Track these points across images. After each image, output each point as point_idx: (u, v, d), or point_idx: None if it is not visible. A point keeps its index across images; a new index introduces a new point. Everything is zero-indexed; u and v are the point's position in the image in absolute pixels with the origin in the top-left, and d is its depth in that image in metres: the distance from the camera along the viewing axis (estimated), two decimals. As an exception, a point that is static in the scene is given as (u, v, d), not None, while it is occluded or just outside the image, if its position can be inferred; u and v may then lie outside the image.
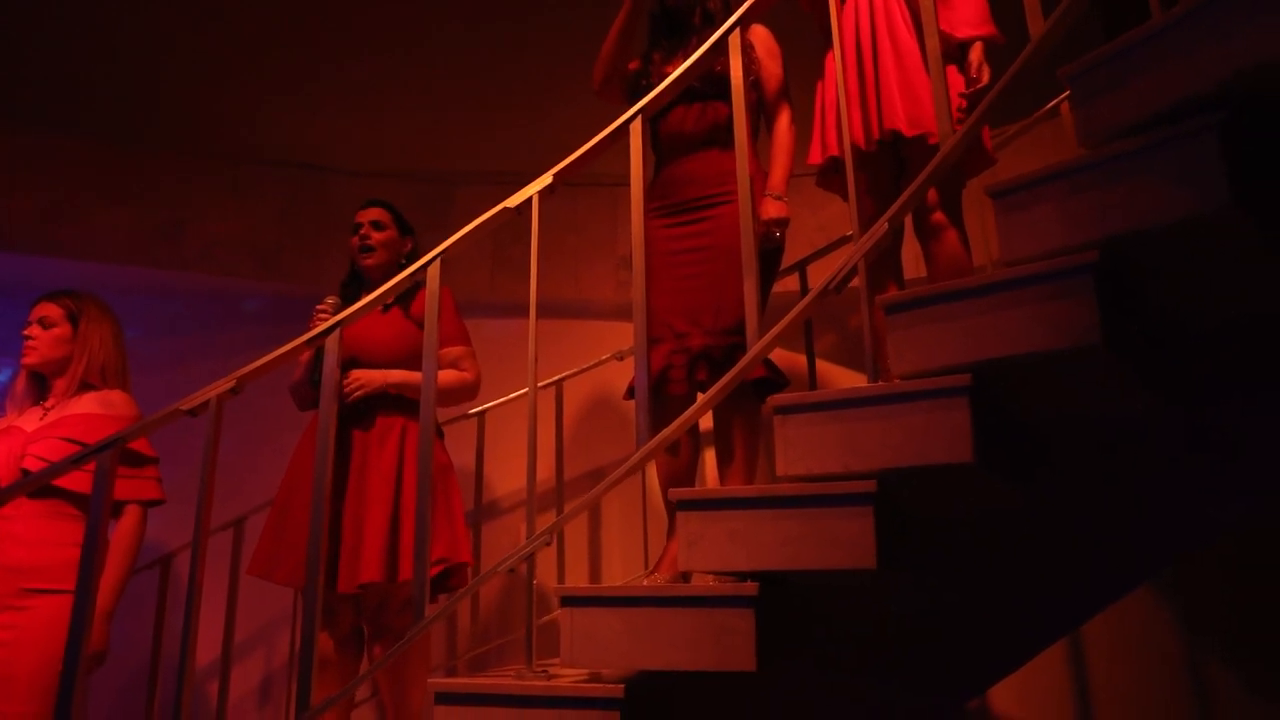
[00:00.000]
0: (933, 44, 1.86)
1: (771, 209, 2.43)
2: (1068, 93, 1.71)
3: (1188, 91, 1.47)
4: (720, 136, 2.51)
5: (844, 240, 3.50)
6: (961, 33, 2.36)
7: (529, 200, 2.11)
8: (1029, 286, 1.59)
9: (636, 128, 2.10)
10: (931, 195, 2.36)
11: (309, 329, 2.70)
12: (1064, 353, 1.53)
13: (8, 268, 3.82)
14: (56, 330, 2.77)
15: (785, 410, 1.75)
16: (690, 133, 2.55)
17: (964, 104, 2.28)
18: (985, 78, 2.27)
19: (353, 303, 2.85)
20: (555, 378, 3.57)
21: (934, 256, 2.37)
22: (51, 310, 2.79)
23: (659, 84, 2.60)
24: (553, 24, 3.53)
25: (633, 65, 2.73)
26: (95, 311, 2.82)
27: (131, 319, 3.26)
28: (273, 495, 2.81)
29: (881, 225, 1.84)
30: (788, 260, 2.91)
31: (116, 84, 3.70)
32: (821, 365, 3.82)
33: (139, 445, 2.69)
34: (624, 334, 4.14)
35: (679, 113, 2.55)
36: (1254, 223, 1.46)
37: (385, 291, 2.06)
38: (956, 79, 2.34)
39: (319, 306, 2.80)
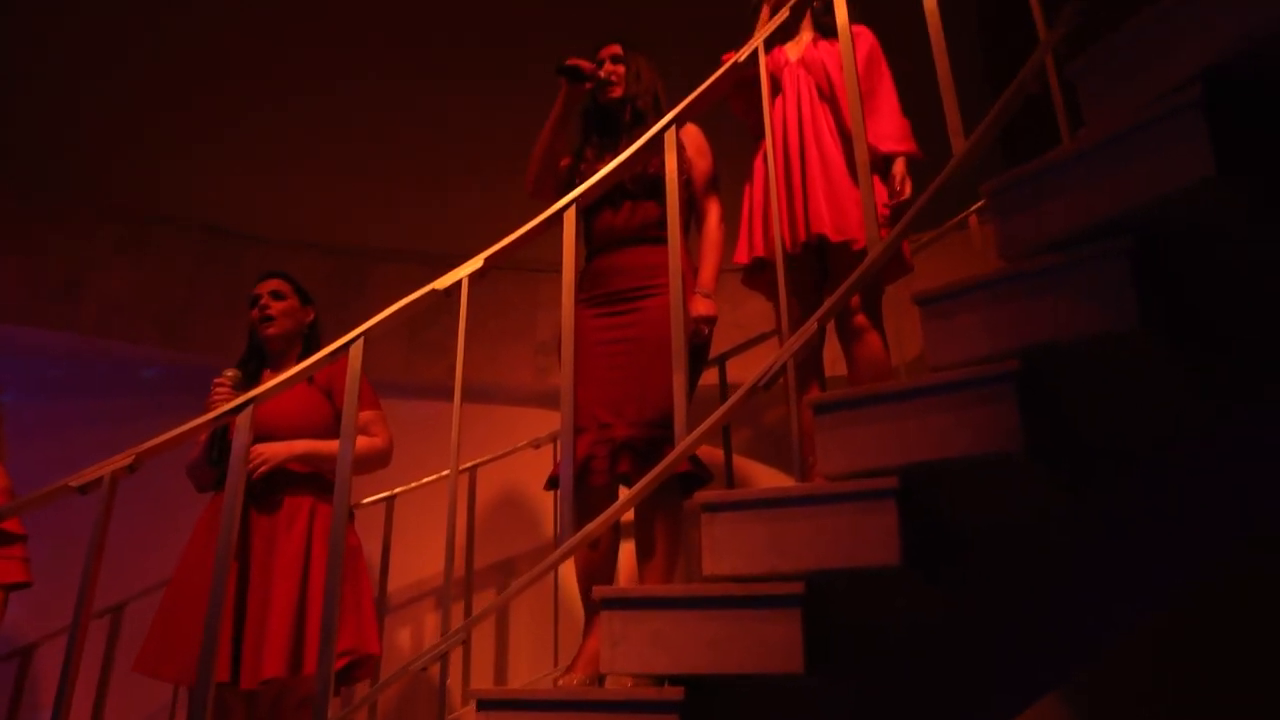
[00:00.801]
0: (862, 157, 1.93)
1: (700, 306, 2.46)
2: (977, 206, 1.80)
3: (1101, 215, 1.55)
4: (650, 234, 2.55)
5: (763, 336, 3.56)
6: (885, 147, 2.48)
7: (458, 283, 2.08)
8: (954, 392, 1.63)
9: (570, 217, 2.11)
10: (854, 299, 2.43)
11: (208, 403, 2.59)
12: (988, 457, 1.57)
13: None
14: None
15: (713, 508, 1.73)
16: (620, 228, 2.59)
17: (887, 214, 2.37)
18: (908, 192, 2.38)
19: (253, 376, 2.76)
20: (469, 464, 3.48)
21: (855, 357, 2.43)
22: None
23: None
24: (473, 101, 3.56)
25: (564, 162, 2.76)
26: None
27: (12, 381, 3.07)
28: (158, 579, 2.62)
29: (811, 325, 1.88)
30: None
31: (14, 130, 3.55)
32: (738, 460, 3.84)
33: (7, 522, 2.49)
34: (540, 421, 4.14)
35: (609, 212, 2.59)
36: (1164, 342, 1.54)
37: (306, 369, 1.99)
38: (879, 190, 2.44)
39: (217, 380, 2.67)
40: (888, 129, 2.51)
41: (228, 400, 2.56)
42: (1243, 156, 1.47)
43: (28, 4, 3.14)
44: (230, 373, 2.69)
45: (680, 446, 1.86)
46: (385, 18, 3.46)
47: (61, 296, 3.79)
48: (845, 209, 2.41)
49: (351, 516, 2.77)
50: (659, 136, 2.10)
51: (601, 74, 2.68)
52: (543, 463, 3.51)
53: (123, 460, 1.78)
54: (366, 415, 2.78)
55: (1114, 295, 1.52)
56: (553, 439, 3.50)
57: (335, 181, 3.84)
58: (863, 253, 2.34)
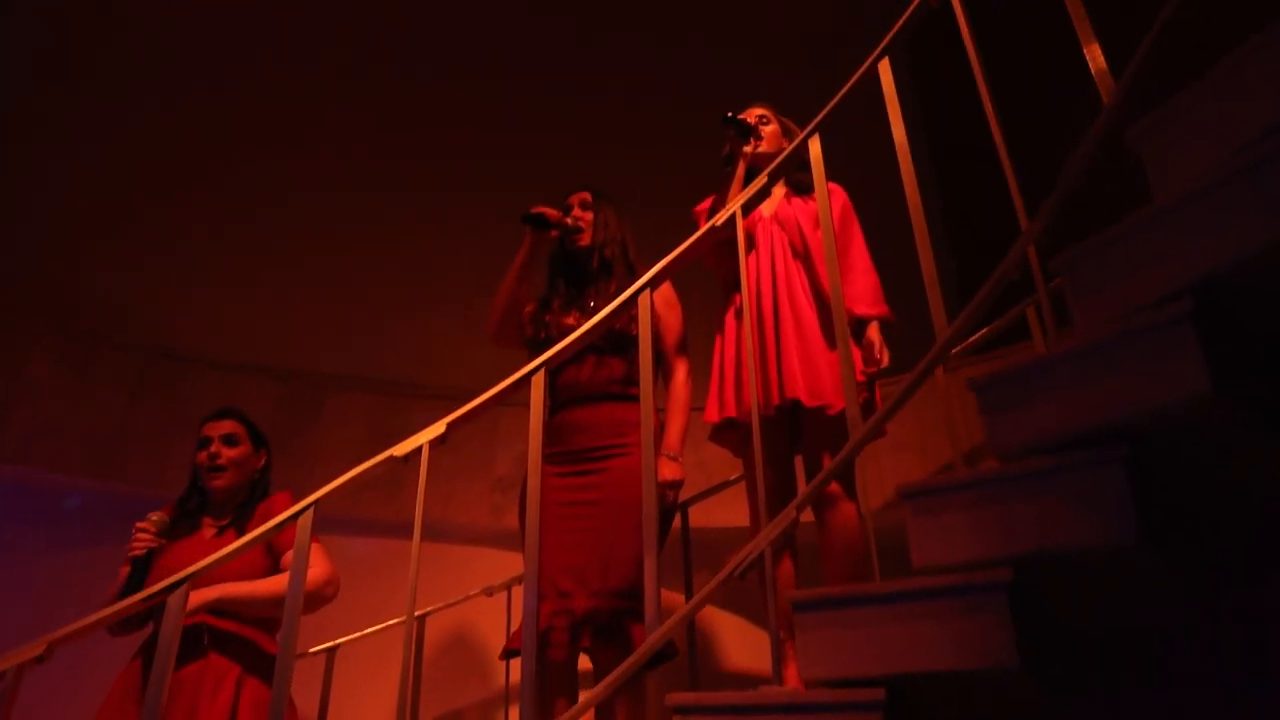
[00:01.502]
0: (841, 327, 1.89)
1: (667, 471, 2.38)
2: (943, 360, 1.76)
3: (1094, 420, 1.51)
4: (615, 389, 2.49)
5: (727, 484, 3.48)
6: (859, 310, 2.45)
7: (418, 449, 1.98)
8: (941, 599, 1.55)
9: (538, 381, 2.04)
10: (827, 465, 2.36)
11: (128, 549, 2.39)
12: (979, 672, 1.48)
13: None
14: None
15: (686, 710, 1.62)
16: (585, 383, 2.52)
17: (863, 379, 2.33)
18: (885, 360, 2.35)
19: (191, 516, 2.58)
20: (421, 612, 3.29)
21: (828, 525, 2.34)
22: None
23: (558, 334, 2.61)
24: (428, 216, 3.52)
25: (530, 308, 2.70)
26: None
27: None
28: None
29: (790, 512, 1.79)
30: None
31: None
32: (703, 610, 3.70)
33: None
34: (495, 562, 3.95)
35: (573, 366, 2.52)
36: (1161, 551, 1.48)
37: (249, 543, 1.85)
38: (855, 356, 2.40)
39: (140, 525, 2.43)
40: (860, 290, 2.50)
41: (150, 546, 2.39)
42: (1238, 366, 1.44)
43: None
44: (155, 516, 2.46)
45: (655, 635, 1.74)
46: (337, 133, 3.44)
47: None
48: (819, 372, 2.36)
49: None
50: (631, 299, 2.06)
51: (569, 220, 2.65)
52: (496, 609, 3.34)
53: (32, 651, 1.61)
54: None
55: (1110, 504, 1.46)
56: (507, 587, 3.34)
57: (287, 303, 3.73)
58: (838, 417, 2.28)
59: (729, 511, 3.83)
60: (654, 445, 1.88)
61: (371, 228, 3.63)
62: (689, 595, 3.42)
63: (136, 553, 2.37)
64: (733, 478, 3.39)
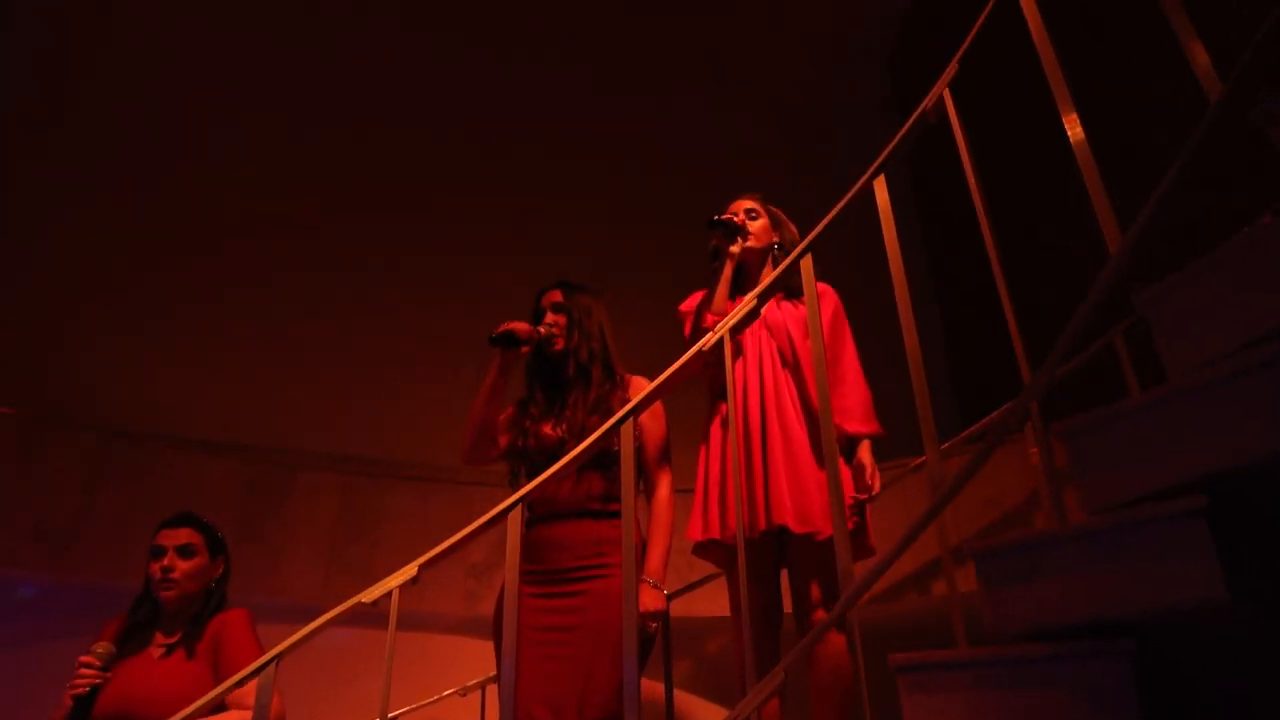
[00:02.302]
0: (830, 446, 1.79)
1: (648, 600, 2.27)
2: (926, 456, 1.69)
3: (1099, 610, 1.43)
4: (594, 506, 2.39)
5: (709, 578, 3.39)
6: (850, 427, 2.36)
7: (388, 594, 1.89)
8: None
9: (515, 518, 1.94)
10: (814, 593, 2.27)
11: (69, 685, 2.25)
12: None
13: None
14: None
15: None
16: (564, 500, 2.41)
17: (852, 503, 2.25)
18: (877, 487, 2.26)
19: (141, 627, 2.43)
20: (394, 714, 3.16)
21: (817, 658, 2.24)
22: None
23: (535, 444, 2.52)
24: (402, 293, 3.43)
25: (507, 412, 2.60)
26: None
27: None
28: None
29: (778, 674, 1.70)
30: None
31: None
32: (679, 695, 3.61)
33: None
34: (470, 653, 3.82)
35: (551, 481, 2.41)
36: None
37: (214, 698, 1.73)
38: (844, 473, 2.31)
39: (84, 659, 2.25)
40: (852, 405, 2.41)
41: (93, 683, 2.24)
42: (1254, 562, 1.37)
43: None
44: (100, 649, 2.28)
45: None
46: (308, 213, 3.36)
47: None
48: (809, 495, 2.27)
49: None
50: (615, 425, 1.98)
51: (541, 330, 2.54)
52: (470, 710, 3.22)
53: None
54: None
55: (1113, 701, 1.38)
56: (481, 686, 3.23)
57: (254, 380, 3.62)
58: (827, 542, 2.20)
59: (709, 602, 3.73)
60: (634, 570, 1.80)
61: (345, 304, 3.54)
62: (668, 685, 3.33)
63: (79, 691, 2.23)
64: (714, 573, 3.30)
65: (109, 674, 2.27)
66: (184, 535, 2.52)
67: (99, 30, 3.07)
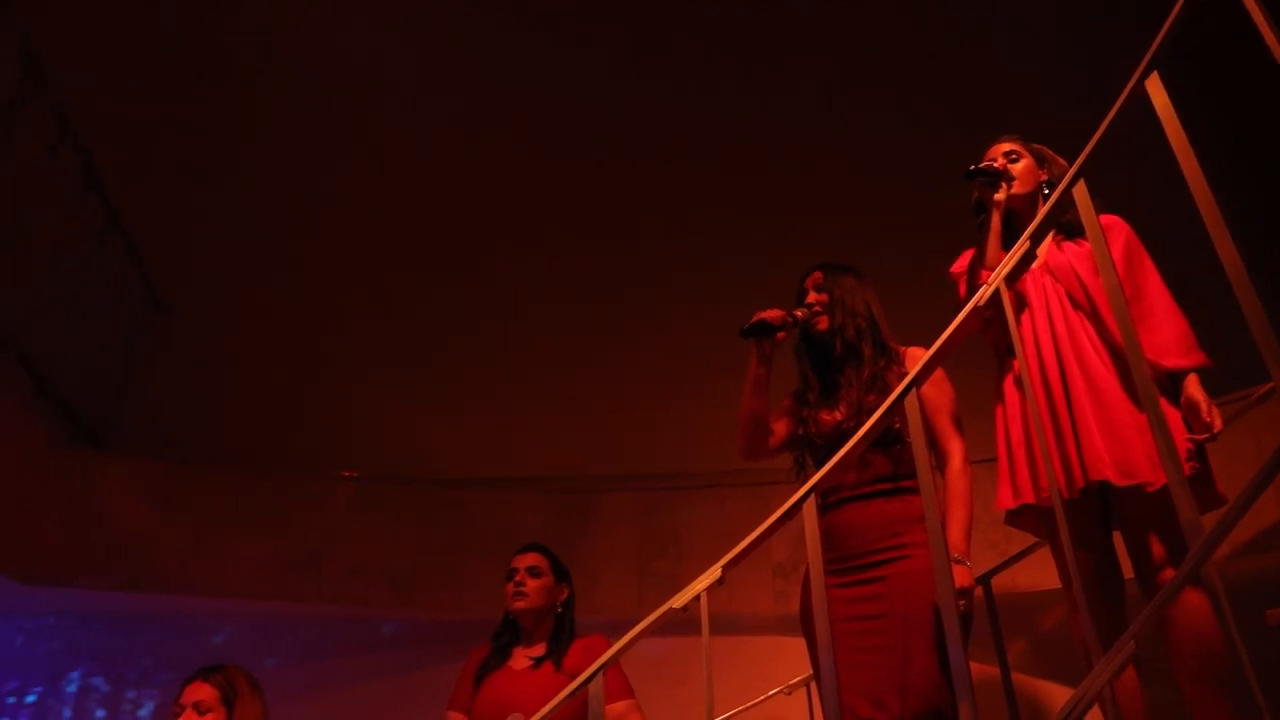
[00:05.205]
0: (1146, 386, 1.58)
1: (957, 577, 2.12)
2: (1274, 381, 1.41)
3: None
4: (884, 487, 2.29)
5: (1024, 553, 3.13)
6: (1169, 362, 2.07)
7: (697, 598, 1.92)
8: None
9: (810, 508, 1.90)
10: (1156, 551, 2.02)
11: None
12: None
13: (148, 606, 3.83)
14: (211, 716, 2.69)
15: None
16: (851, 484, 2.33)
17: (1191, 447, 1.97)
18: (1219, 423, 1.97)
19: (503, 650, 2.72)
20: (721, 717, 3.20)
21: (1174, 622, 1.98)
22: (206, 694, 2.73)
23: (815, 429, 2.46)
24: (683, 313, 3.49)
25: (785, 401, 2.56)
26: (246, 690, 2.74)
27: (268, 648, 3.16)
28: None
29: (1128, 644, 1.52)
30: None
31: (253, 412, 3.84)
32: (1017, 678, 3.35)
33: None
34: (784, 651, 3.80)
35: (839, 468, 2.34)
36: None
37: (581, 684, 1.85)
38: (1173, 421, 2.03)
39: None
40: (1166, 337, 2.11)
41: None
42: None
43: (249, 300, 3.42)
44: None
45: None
46: (583, 232, 3.51)
47: (306, 569, 3.96)
48: (1128, 443, 2.01)
49: None
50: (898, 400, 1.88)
51: (798, 313, 2.48)
52: (796, 707, 3.20)
53: None
54: (622, 705, 2.65)
55: None
56: (804, 684, 3.20)
57: (552, 417, 3.87)
58: (1160, 494, 1.94)
59: (1036, 574, 3.46)
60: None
61: (622, 320, 3.68)
62: (1003, 668, 3.11)
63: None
64: (1036, 542, 3.04)
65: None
66: (531, 558, 2.85)
67: (371, 90, 3.46)
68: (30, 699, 3.86)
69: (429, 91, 3.62)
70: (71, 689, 3.88)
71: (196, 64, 3.71)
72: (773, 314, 2.42)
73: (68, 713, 3.87)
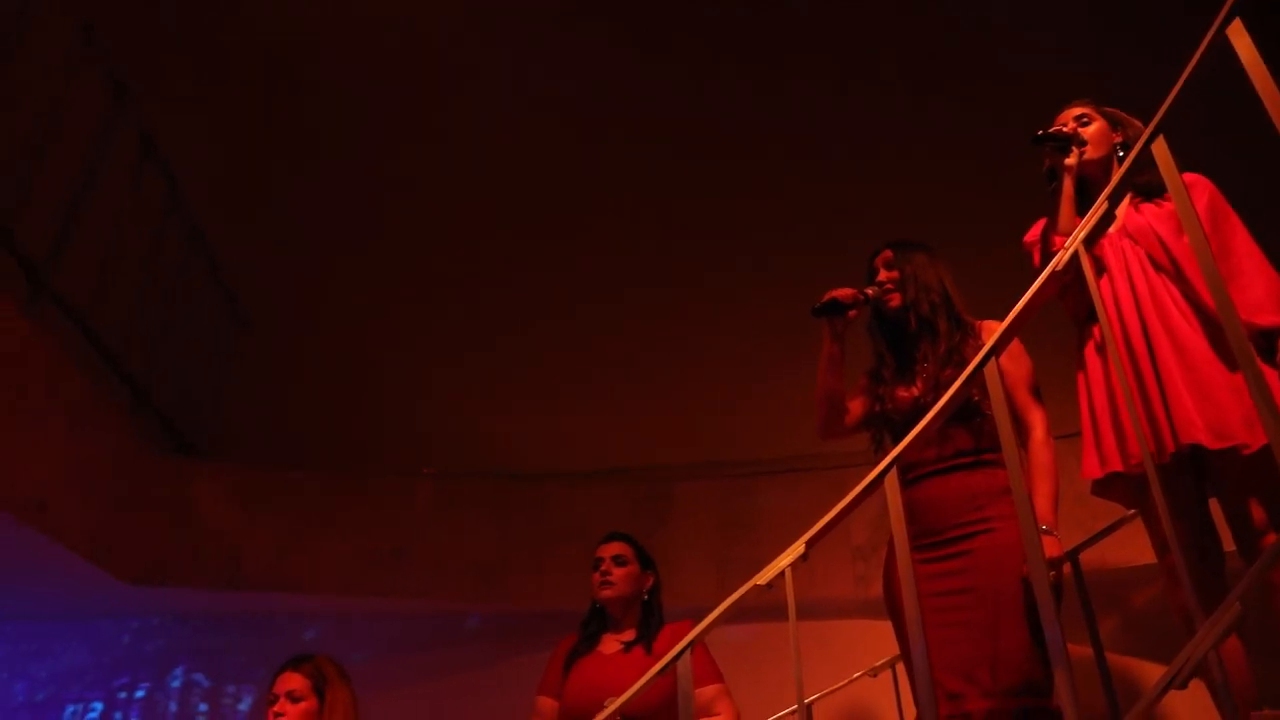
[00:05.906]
0: (1240, 342, 1.52)
1: (1047, 548, 2.09)
2: None
3: None
4: (965, 461, 2.27)
5: (1114, 526, 3.04)
6: (1263, 319, 2.00)
7: (781, 574, 1.92)
8: None
9: (892, 481, 1.89)
10: (1257, 515, 1.96)
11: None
12: None
13: (242, 604, 3.98)
14: (304, 704, 2.79)
15: None
16: (931, 459, 2.31)
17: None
18: (1320, 380, 1.90)
19: (592, 638, 2.76)
20: (809, 698, 3.20)
21: (1278, 589, 1.92)
22: (297, 683, 2.83)
23: (892, 406, 2.45)
24: (755, 298, 3.49)
25: (861, 380, 2.56)
26: (336, 678, 2.84)
27: (356, 643, 3.26)
28: None
29: (1232, 606, 1.48)
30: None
31: (333, 416, 3.97)
32: (1111, 657, 3.26)
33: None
34: (867, 634, 3.78)
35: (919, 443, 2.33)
36: None
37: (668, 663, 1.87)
38: (1269, 374, 1.96)
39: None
40: (1258, 294, 2.03)
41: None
42: None
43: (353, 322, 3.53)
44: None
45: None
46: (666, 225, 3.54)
47: (391, 563, 4.06)
48: (1220, 403, 1.95)
49: None
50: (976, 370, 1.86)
51: (870, 291, 2.48)
52: (882, 689, 3.18)
53: None
54: (711, 690, 2.68)
55: None
56: (890, 665, 3.18)
57: (628, 406, 3.91)
58: (1259, 456, 1.88)
59: (1125, 550, 3.37)
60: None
61: (696, 306, 3.70)
62: (1095, 647, 3.04)
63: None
64: (1124, 516, 2.96)
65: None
66: (616, 547, 2.94)
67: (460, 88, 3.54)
68: (140, 694, 4.06)
69: (515, 90, 3.69)
70: (176, 684, 4.06)
71: (263, 74, 3.84)
72: (844, 292, 2.43)
73: (174, 706, 4.04)
